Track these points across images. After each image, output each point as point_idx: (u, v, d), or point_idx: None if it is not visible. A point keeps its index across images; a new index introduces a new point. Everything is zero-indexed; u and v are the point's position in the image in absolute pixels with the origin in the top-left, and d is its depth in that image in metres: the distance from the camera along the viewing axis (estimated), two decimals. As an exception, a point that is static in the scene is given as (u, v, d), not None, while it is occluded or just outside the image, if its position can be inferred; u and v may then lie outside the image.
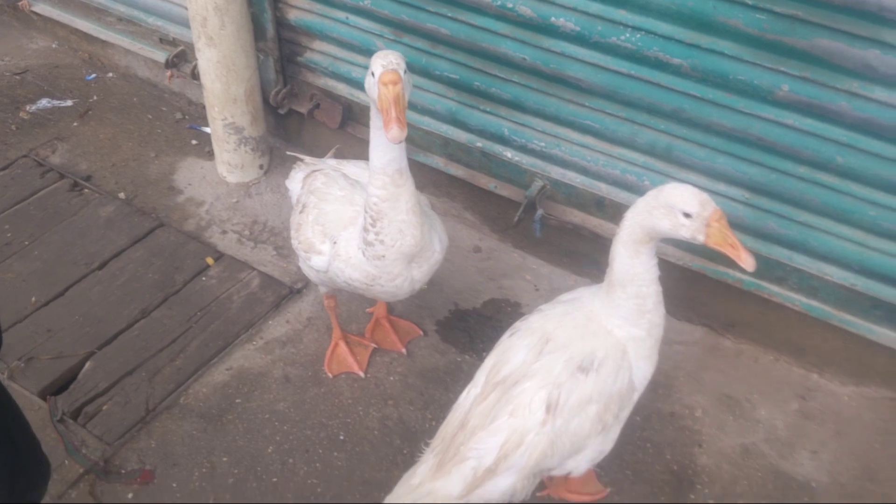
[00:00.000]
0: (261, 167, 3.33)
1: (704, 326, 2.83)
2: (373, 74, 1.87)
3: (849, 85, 2.07)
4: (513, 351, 2.04)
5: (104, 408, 2.49)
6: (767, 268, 2.52)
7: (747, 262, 1.79)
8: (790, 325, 2.64)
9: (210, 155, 3.45)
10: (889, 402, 2.61)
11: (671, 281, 2.69)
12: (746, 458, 2.47)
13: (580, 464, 2.07)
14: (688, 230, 1.79)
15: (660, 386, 2.65)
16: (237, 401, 2.56)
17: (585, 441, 2.00)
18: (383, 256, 2.10)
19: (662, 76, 2.33)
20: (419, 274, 2.21)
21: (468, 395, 2.06)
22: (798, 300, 2.52)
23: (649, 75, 2.35)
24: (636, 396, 2.08)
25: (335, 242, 2.24)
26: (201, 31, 2.92)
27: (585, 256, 2.87)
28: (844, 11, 1.97)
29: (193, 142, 3.57)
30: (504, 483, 1.97)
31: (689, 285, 2.73)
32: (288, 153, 2.86)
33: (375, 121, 1.96)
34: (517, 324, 2.11)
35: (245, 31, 2.97)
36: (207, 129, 3.57)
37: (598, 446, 2.06)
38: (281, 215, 3.21)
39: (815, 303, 2.51)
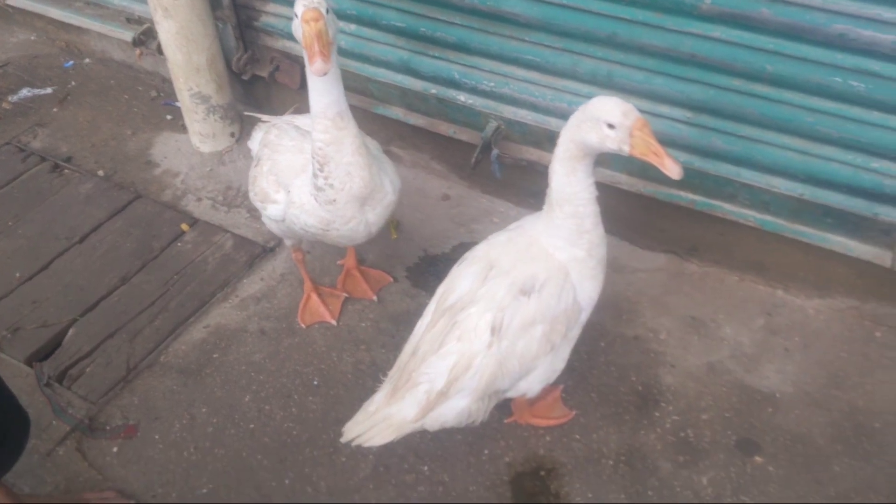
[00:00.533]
0: (232, 135, 3.41)
1: (667, 252, 2.87)
2: (296, 16, 1.93)
3: (769, -9, 2.09)
4: (459, 279, 2.11)
5: (87, 370, 2.61)
6: (717, 186, 2.55)
7: (672, 170, 1.80)
8: (749, 244, 2.67)
9: (184, 128, 3.53)
10: (854, 311, 2.64)
11: (627, 208, 2.75)
12: (712, 375, 2.52)
13: (532, 384, 2.14)
14: (613, 141, 1.82)
15: (623, 311, 2.70)
16: (215, 355, 2.66)
17: (534, 361, 2.07)
18: (334, 200, 2.16)
19: (593, 2, 2.36)
20: (373, 216, 2.27)
21: (420, 325, 2.14)
22: (751, 216, 2.55)
23: (581, 3, 2.38)
24: (584, 317, 2.13)
25: (289, 191, 2.31)
26: (157, 4, 3.00)
27: (548, 193, 2.91)
28: (755, -83, 1.99)
29: (168, 117, 3.66)
30: (458, 405, 2.05)
31: (647, 212, 2.77)
32: (246, 114, 2.93)
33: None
34: (466, 254, 2.18)
35: (199, 0, 3.03)
36: (178, 103, 3.67)
37: (549, 366, 2.13)
38: (254, 179, 3.29)
39: (768, 217, 2.53)
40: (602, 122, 1.81)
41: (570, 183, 1.96)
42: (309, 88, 2.07)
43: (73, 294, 2.84)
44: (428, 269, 2.90)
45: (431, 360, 2.03)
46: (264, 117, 2.69)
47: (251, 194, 2.49)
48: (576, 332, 2.14)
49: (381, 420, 2.06)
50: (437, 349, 2.04)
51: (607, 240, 2.09)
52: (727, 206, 2.58)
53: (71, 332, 2.72)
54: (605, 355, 2.58)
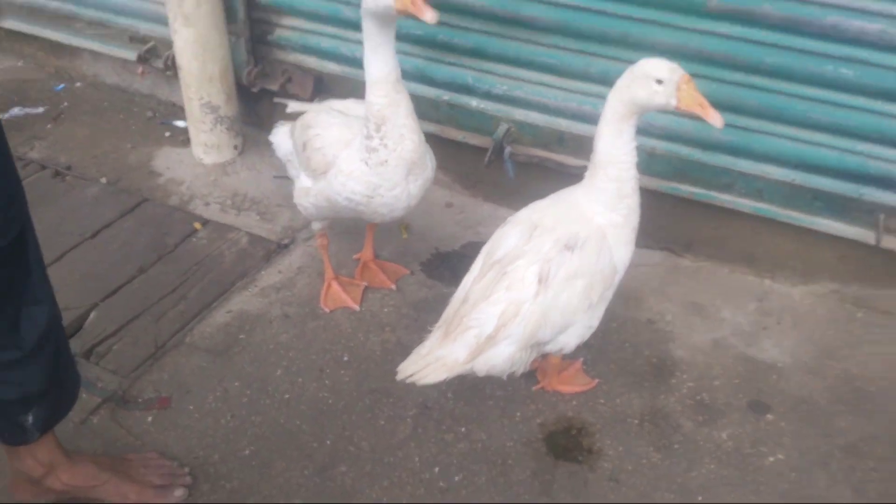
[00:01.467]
0: (235, 147, 3.52)
1: (664, 250, 3.10)
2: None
3: (769, -11, 2.40)
4: (505, 238, 2.26)
5: (114, 347, 2.60)
6: (715, 176, 2.80)
7: (716, 119, 2.03)
8: (743, 235, 2.92)
9: (184, 143, 3.61)
10: (836, 295, 2.90)
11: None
12: (717, 349, 2.71)
13: (570, 339, 2.28)
14: (662, 95, 2.03)
15: (631, 298, 2.88)
16: (241, 336, 2.69)
17: (574, 316, 2.21)
18: (386, 161, 2.30)
19: (608, 4, 2.64)
20: (415, 188, 2.42)
21: (467, 279, 2.26)
22: (746, 204, 2.81)
23: (596, 5, 2.65)
24: (617, 279, 2.31)
25: (331, 164, 2.43)
26: (178, 12, 3.13)
27: (551, 194, 3.11)
28: (761, -78, 2.31)
29: (167, 134, 3.74)
30: (504, 351, 2.17)
31: (648, 209, 2.98)
32: (276, 100, 3.06)
33: (374, 38, 2.20)
34: (508, 218, 2.33)
35: (218, 10, 3.19)
36: (179, 123, 3.76)
37: (587, 321, 2.28)
38: (260, 188, 3.38)
39: (761, 204, 2.79)
40: (651, 78, 2.03)
41: (615, 145, 2.15)
42: (368, 59, 2.24)
43: (91, 283, 2.83)
44: (441, 264, 3.03)
45: (482, 306, 2.16)
46: (293, 103, 2.82)
47: (302, 180, 2.57)
48: (610, 294, 2.31)
49: (433, 360, 2.15)
50: (486, 297, 2.16)
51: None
52: (724, 196, 2.83)
53: (93, 315, 2.71)
54: (618, 335, 2.75)
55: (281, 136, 2.80)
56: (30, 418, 1.96)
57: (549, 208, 2.29)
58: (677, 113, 2.08)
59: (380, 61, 2.24)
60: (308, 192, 2.56)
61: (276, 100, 3.07)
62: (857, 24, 2.36)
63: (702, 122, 2.65)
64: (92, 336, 2.63)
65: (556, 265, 2.15)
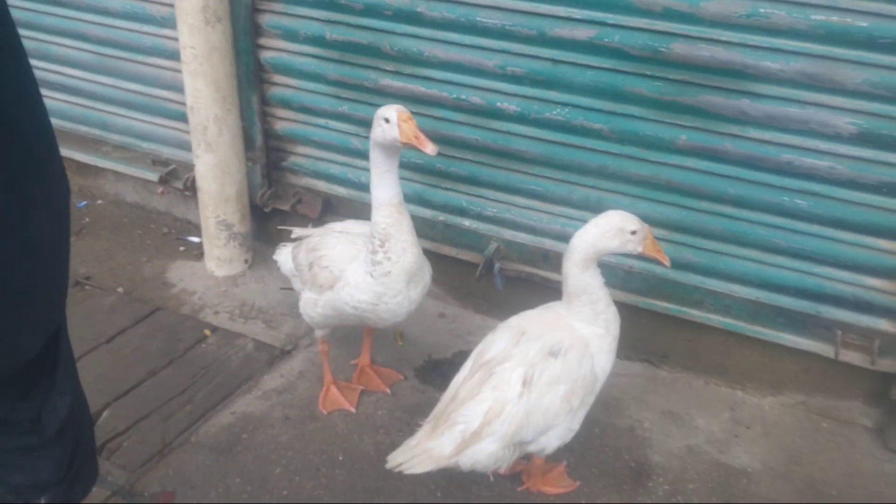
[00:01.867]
0: (246, 261, 3.77)
1: (643, 362, 3.31)
2: (386, 121, 2.38)
3: (730, 129, 2.72)
4: (495, 341, 2.49)
5: (124, 444, 2.76)
6: (687, 293, 3.05)
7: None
8: (714, 348, 3.15)
9: (198, 257, 3.88)
10: (802, 406, 3.09)
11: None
12: (692, 455, 2.88)
13: (552, 441, 2.46)
14: (633, 244, 2.38)
15: (612, 406, 3.07)
16: (243, 436, 2.86)
17: (555, 418, 2.41)
18: (389, 272, 2.55)
19: (588, 140, 2.96)
20: (415, 294, 2.66)
21: (457, 378, 2.47)
22: (716, 319, 3.04)
23: (577, 141, 2.98)
24: (598, 385, 2.51)
25: (338, 279, 2.68)
26: (201, 139, 3.46)
27: (537, 309, 3.36)
28: (719, 72, 2.65)
29: (181, 248, 4.01)
30: (488, 448, 2.35)
31: (627, 323, 3.22)
32: (279, 227, 3.34)
33: (381, 165, 2.49)
34: (499, 325, 2.57)
35: (238, 139, 3.52)
36: (193, 238, 4.04)
37: (568, 424, 2.47)
38: (267, 298, 3.62)
39: (729, 320, 3.03)
40: (626, 230, 2.34)
41: (584, 278, 2.44)
42: (375, 184, 2.52)
43: (104, 384, 3.02)
44: (433, 371, 3.23)
45: (469, 404, 2.36)
46: (296, 229, 3.10)
47: (307, 293, 2.82)
48: (591, 399, 2.51)
49: (421, 452, 2.33)
50: (474, 395, 2.37)
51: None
52: (695, 312, 3.07)
53: (105, 413, 2.89)
54: (599, 440, 2.92)
55: (284, 256, 3.07)
56: (42, 500, 2.11)
57: (537, 317, 2.53)
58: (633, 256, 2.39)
59: (385, 187, 2.52)
60: (315, 302, 2.79)
61: (280, 226, 3.35)
62: (808, 161, 2.67)
63: (672, 243, 2.95)
64: (104, 433, 2.79)
65: (539, 370, 2.36)
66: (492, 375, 2.38)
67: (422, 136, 2.36)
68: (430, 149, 2.35)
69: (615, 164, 2.96)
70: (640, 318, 3.20)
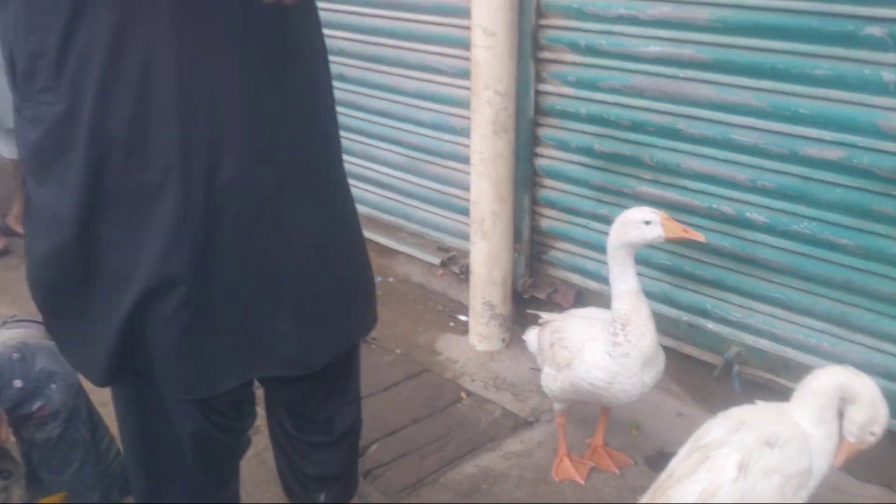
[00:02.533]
0: (503, 340, 4.24)
1: (882, 485, 3.22)
2: (646, 223, 2.74)
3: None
4: (714, 427, 2.66)
5: (385, 473, 3.27)
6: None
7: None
8: (966, 482, 3.01)
9: (463, 333, 4.41)
10: None
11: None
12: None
13: None
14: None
15: (843, 522, 3.04)
16: (483, 486, 3.25)
17: None
18: (628, 354, 2.85)
19: (834, 254, 3.07)
20: (648, 378, 2.93)
21: (675, 459, 2.67)
22: (967, 450, 2.94)
23: (823, 254, 3.10)
24: (812, 484, 2.57)
25: (574, 357, 3.03)
26: (478, 229, 4.04)
27: (775, 417, 3.42)
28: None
29: (451, 324, 4.58)
30: None
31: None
32: (527, 311, 3.77)
33: (624, 260, 2.83)
34: (719, 413, 2.74)
35: (508, 232, 4.05)
36: (461, 317, 4.60)
37: None
38: (518, 374, 4.04)
39: (983, 452, 2.91)
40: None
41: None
42: (617, 278, 2.87)
43: (376, 424, 3.57)
44: (663, 461, 3.36)
45: (685, 482, 2.54)
46: (544, 314, 3.50)
47: (543, 369, 3.20)
48: (804, 494, 2.57)
49: None
50: (689, 475, 2.55)
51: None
52: (944, 439, 2.98)
53: (373, 447, 3.44)
54: (825, 552, 2.91)
55: (532, 336, 3.47)
56: (322, 496, 2.63)
57: (758, 409, 2.67)
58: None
59: (628, 278, 2.86)
60: (556, 378, 3.15)
61: (529, 310, 3.77)
62: None
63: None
64: (370, 462, 3.33)
65: (756, 457, 2.50)
66: (708, 458, 2.56)
67: (689, 229, 2.72)
68: (701, 237, 2.73)
69: (860, 279, 3.03)
70: (884, 439, 3.15)
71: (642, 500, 2.62)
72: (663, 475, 2.65)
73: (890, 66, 2.75)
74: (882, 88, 2.79)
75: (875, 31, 2.75)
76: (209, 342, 2.02)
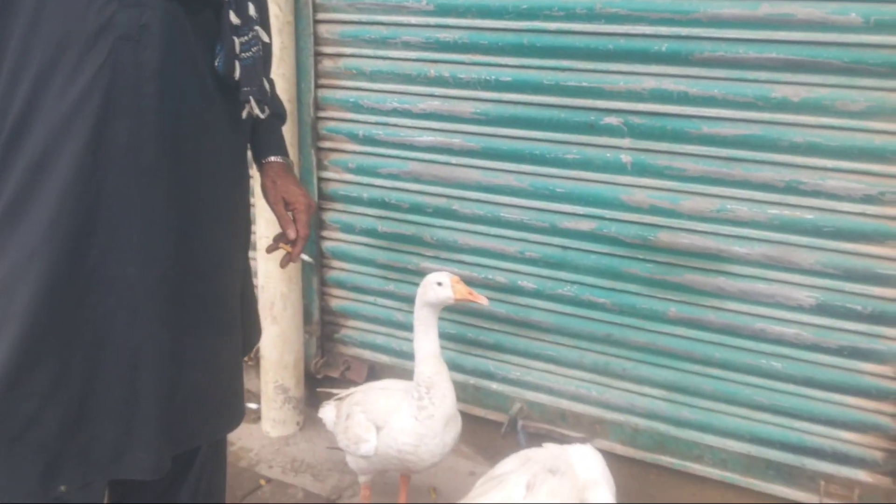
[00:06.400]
0: (297, 423, 4.26)
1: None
2: (439, 284, 2.95)
3: (711, 302, 3.26)
4: (505, 464, 2.93)
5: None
6: (688, 448, 3.45)
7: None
8: (716, 502, 3.49)
9: (255, 421, 4.37)
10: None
11: (622, 477, 3.58)
12: None
13: None
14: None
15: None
16: (293, 569, 3.24)
17: None
18: (433, 416, 3.02)
19: (594, 312, 3.51)
20: (449, 438, 3.11)
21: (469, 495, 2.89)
22: (716, 472, 3.41)
23: (585, 313, 3.52)
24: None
25: (381, 427, 3.16)
26: (268, 313, 4.08)
27: (557, 466, 3.75)
28: (698, 256, 3.23)
29: (241, 412, 4.52)
30: None
31: (638, 479, 3.61)
32: (318, 390, 3.86)
33: (426, 321, 3.03)
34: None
35: (298, 314, 4.13)
36: (252, 405, 4.55)
37: None
38: (315, 455, 4.07)
39: (727, 473, 3.40)
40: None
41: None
42: (420, 339, 3.05)
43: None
44: (463, 520, 3.60)
45: (479, 499, 2.78)
46: (336, 392, 3.61)
47: (343, 443, 3.30)
48: None
49: None
50: (483, 495, 2.80)
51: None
52: (697, 466, 3.44)
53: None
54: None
55: (328, 413, 3.56)
56: None
57: (542, 450, 2.99)
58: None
59: (430, 340, 3.07)
60: (356, 455, 3.25)
61: (319, 389, 3.88)
62: (778, 328, 3.17)
63: (671, 403, 3.40)
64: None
65: (541, 481, 2.79)
66: (500, 483, 2.82)
67: (474, 292, 2.95)
68: (484, 301, 2.93)
69: (619, 332, 3.48)
70: (649, 473, 3.58)
71: None
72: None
73: (626, 149, 3.26)
74: (622, 169, 3.30)
75: (612, 120, 3.26)
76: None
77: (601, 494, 2.85)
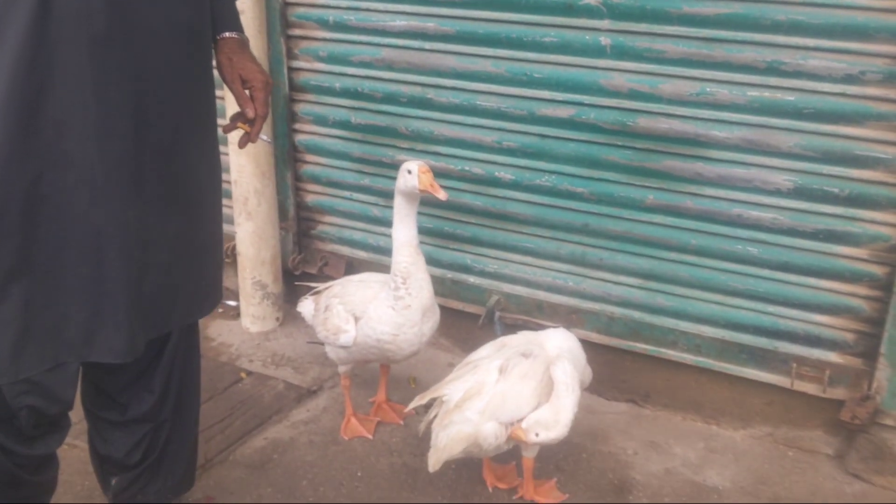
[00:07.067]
0: (277, 319, 4.27)
1: (628, 401, 3.71)
2: (409, 172, 2.91)
3: (689, 188, 3.23)
4: (481, 350, 3.01)
5: (172, 459, 3.19)
6: (663, 335, 3.49)
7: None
8: (689, 386, 3.55)
9: (234, 317, 4.37)
10: (769, 437, 3.46)
11: (597, 365, 3.62)
12: (669, 475, 3.25)
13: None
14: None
15: (598, 437, 3.46)
16: (274, 456, 3.28)
17: (526, 406, 2.81)
18: (410, 306, 3.02)
19: (572, 202, 3.48)
20: (427, 328, 3.12)
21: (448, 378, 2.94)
22: (689, 357, 3.46)
23: (563, 203, 3.49)
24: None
25: (360, 318, 3.15)
26: (242, 209, 4.02)
27: (534, 355, 3.79)
28: (677, 141, 3.19)
29: (220, 311, 4.51)
30: (487, 429, 2.78)
31: (611, 366, 3.65)
32: (296, 283, 3.84)
33: (403, 210, 3.01)
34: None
35: (273, 210, 4.08)
36: (231, 302, 4.54)
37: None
38: (296, 349, 4.09)
39: (701, 358, 3.45)
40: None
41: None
42: (397, 226, 3.03)
43: (155, 413, 3.47)
44: (442, 409, 3.65)
45: (455, 382, 2.87)
46: (315, 286, 3.59)
47: (322, 334, 3.30)
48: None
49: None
50: (459, 378, 2.88)
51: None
52: (671, 352, 3.49)
53: (155, 435, 3.33)
54: (587, 462, 3.31)
55: (307, 307, 3.55)
56: (113, 481, 2.54)
57: (517, 336, 3.04)
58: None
59: (406, 229, 3.04)
60: (336, 345, 3.26)
61: (297, 283, 3.86)
62: (755, 213, 3.16)
63: (647, 291, 3.41)
64: (155, 450, 3.23)
65: (513, 364, 2.85)
66: (475, 367, 2.89)
67: (436, 185, 2.90)
68: (442, 195, 2.88)
69: (596, 222, 3.46)
70: (624, 360, 3.63)
71: (416, 401, 2.93)
72: (435, 386, 2.93)
73: (606, 31, 3.17)
74: (601, 52, 3.21)
75: (591, 0, 3.15)
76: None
77: (561, 368, 2.90)
